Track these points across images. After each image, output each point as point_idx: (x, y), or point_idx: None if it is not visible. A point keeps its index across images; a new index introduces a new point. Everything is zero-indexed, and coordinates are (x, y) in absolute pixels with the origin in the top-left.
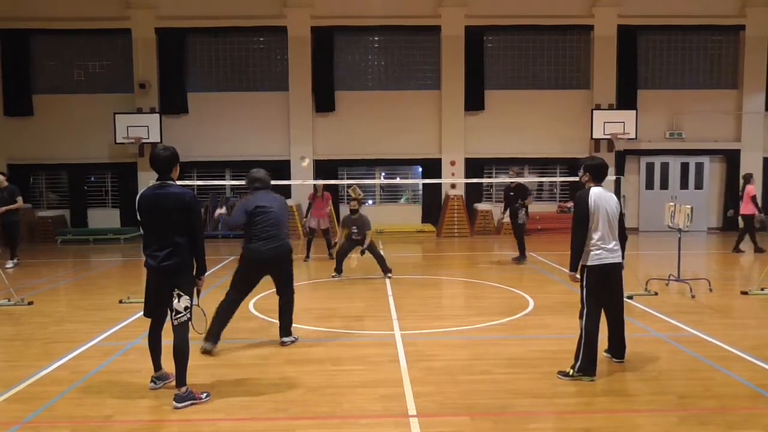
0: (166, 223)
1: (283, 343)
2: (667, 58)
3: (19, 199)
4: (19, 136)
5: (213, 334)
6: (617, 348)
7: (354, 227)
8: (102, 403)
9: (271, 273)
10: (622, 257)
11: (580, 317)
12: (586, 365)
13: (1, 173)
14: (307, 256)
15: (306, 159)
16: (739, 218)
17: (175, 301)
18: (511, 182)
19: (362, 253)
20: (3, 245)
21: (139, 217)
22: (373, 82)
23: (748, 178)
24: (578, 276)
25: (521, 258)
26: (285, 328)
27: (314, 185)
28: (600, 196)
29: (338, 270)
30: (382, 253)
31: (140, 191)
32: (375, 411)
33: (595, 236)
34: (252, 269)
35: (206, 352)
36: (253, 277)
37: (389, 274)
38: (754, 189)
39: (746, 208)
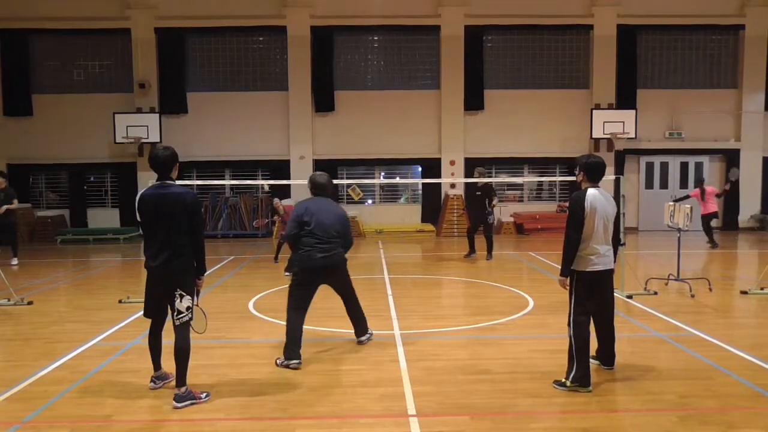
0: (167, 223)
1: (359, 342)
2: (666, 58)
3: (15, 201)
4: (19, 136)
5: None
6: (606, 356)
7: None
8: (102, 402)
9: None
10: (614, 262)
11: (568, 325)
12: (581, 376)
13: (1, 175)
14: (276, 258)
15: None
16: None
17: (177, 301)
18: (478, 183)
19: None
20: (3, 245)
21: (138, 218)
22: (373, 82)
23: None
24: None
25: (490, 255)
26: (359, 328)
27: (278, 207)
28: (597, 198)
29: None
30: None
31: (140, 191)
32: (375, 411)
33: (589, 241)
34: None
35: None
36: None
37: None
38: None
39: (713, 207)
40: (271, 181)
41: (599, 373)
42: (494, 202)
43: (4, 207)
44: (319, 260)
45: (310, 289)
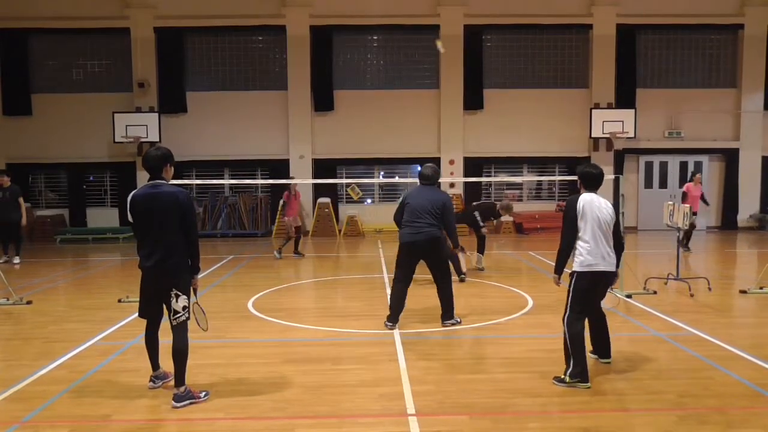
0: (160, 223)
1: (444, 325)
2: (666, 57)
3: (21, 199)
4: (18, 136)
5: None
6: (602, 348)
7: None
8: (101, 402)
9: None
10: (617, 266)
11: (563, 322)
12: (579, 371)
13: (5, 173)
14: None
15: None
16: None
17: (173, 301)
18: (500, 206)
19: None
20: (6, 243)
21: (131, 218)
22: (372, 82)
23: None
24: (561, 281)
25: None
26: (445, 312)
27: (289, 185)
28: (590, 202)
29: None
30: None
31: (132, 192)
32: (374, 410)
33: (585, 243)
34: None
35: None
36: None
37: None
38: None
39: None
40: (271, 181)
41: (598, 371)
42: (493, 221)
43: (22, 215)
44: (407, 236)
45: (407, 265)
